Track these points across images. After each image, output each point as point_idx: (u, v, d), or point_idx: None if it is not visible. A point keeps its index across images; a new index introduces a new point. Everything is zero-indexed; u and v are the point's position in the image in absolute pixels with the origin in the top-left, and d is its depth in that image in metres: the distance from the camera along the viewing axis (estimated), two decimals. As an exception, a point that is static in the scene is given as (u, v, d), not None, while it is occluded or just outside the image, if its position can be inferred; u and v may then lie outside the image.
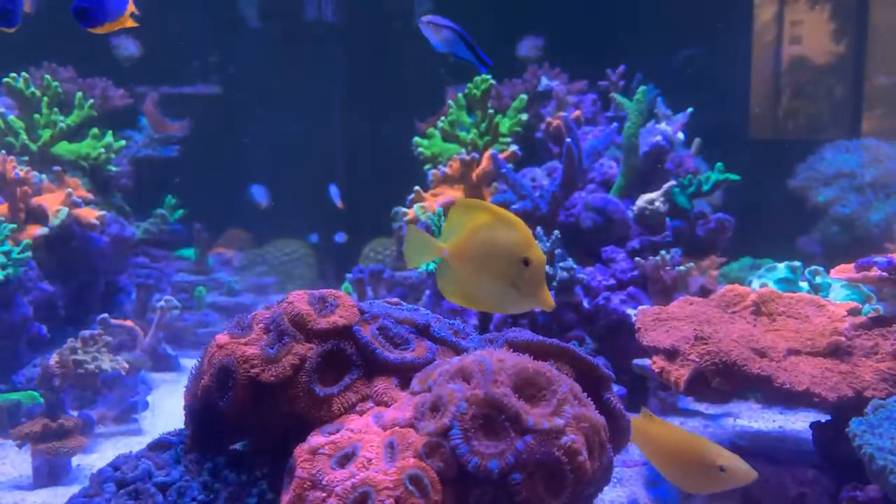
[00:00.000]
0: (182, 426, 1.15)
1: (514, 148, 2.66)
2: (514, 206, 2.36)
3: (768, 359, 1.27)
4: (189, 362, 2.65)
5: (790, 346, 1.33)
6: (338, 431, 0.98)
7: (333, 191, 3.64)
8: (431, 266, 2.25)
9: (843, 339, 1.31)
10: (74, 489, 1.55)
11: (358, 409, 1.03)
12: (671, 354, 1.39)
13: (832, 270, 1.47)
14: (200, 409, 1.06)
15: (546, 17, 4.02)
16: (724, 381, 1.28)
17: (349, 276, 2.79)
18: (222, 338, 1.08)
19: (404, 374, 1.06)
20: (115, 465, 1.04)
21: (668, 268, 2.12)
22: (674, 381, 1.36)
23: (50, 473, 1.61)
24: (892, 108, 4.51)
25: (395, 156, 3.50)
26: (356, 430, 0.98)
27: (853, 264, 1.46)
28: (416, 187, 2.65)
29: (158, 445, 1.08)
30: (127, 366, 2.16)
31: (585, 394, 1.03)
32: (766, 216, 3.64)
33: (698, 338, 1.34)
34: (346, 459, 0.93)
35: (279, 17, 4.28)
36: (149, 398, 2.16)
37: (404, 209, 2.66)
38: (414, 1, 4.42)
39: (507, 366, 0.98)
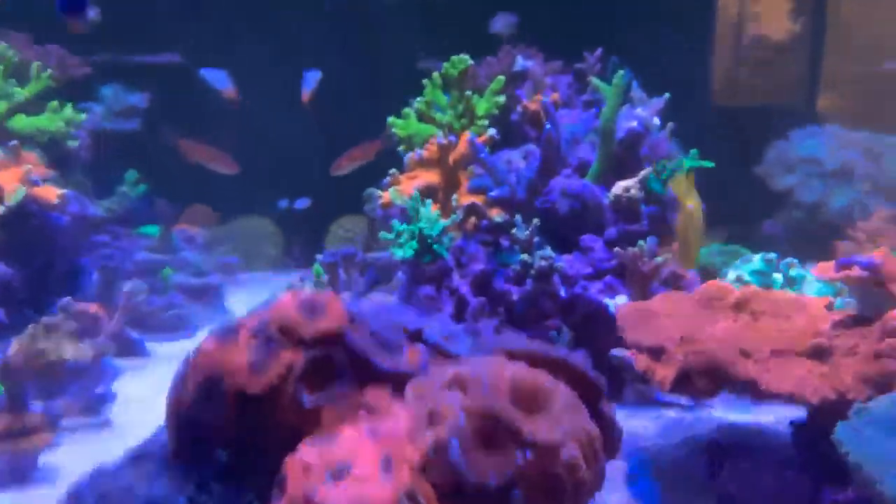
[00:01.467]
0: (153, 419, 1.11)
1: (491, 132, 2.62)
2: (492, 193, 2.34)
3: (753, 360, 1.28)
4: (156, 346, 2.58)
5: (773, 346, 1.34)
6: (329, 443, 0.96)
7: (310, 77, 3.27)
8: (409, 253, 2.22)
9: (824, 340, 1.33)
10: (42, 491, 1.49)
11: (350, 419, 1.01)
12: (655, 353, 1.39)
13: (813, 269, 1.49)
14: (185, 418, 1.02)
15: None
16: (709, 382, 1.29)
17: (321, 258, 2.74)
18: (207, 344, 1.04)
19: (397, 383, 1.04)
20: (92, 478, 1.00)
21: (645, 259, 2.13)
22: (659, 380, 1.36)
23: (14, 473, 1.54)
24: (848, 87, 4.60)
25: (368, 135, 3.42)
26: (349, 442, 0.95)
27: (833, 262, 1.48)
28: (393, 170, 2.60)
29: (140, 456, 1.04)
30: (91, 353, 2.09)
31: (580, 402, 1.02)
32: (732, 199, 3.68)
33: (684, 338, 1.34)
34: (339, 474, 0.91)
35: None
36: (115, 386, 2.09)
37: (379, 192, 2.61)
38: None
39: (504, 377, 0.97)
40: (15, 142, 2.43)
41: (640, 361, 1.42)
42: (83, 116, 2.78)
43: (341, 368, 1.02)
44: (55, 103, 2.67)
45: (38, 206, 2.41)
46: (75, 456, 1.65)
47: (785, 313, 1.44)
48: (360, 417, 1.01)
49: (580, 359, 1.15)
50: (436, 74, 2.77)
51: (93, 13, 3.82)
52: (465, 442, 0.90)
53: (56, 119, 2.64)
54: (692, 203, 1.11)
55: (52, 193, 2.42)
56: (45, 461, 1.62)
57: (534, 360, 1.08)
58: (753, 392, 1.24)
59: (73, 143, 2.75)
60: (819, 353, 1.33)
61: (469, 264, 2.33)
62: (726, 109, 4.53)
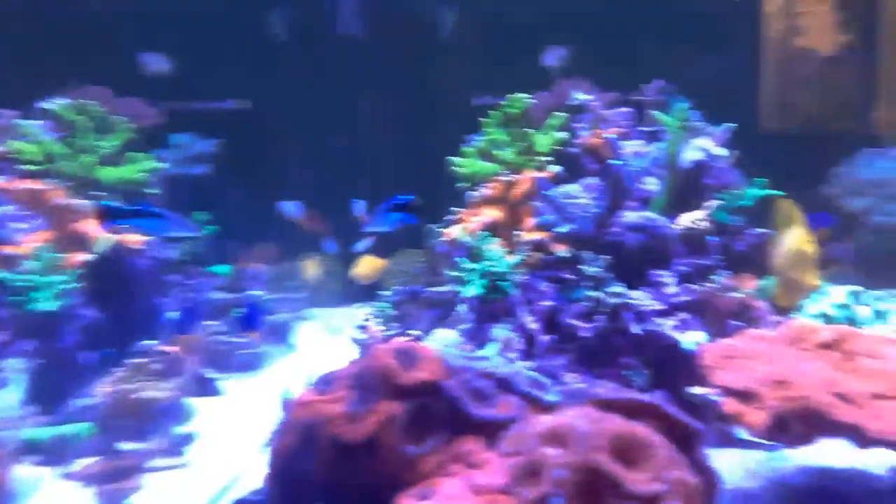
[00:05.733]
0: (231, 460, 1.14)
1: (556, 168, 2.62)
2: (561, 229, 2.34)
3: (855, 404, 1.24)
4: (232, 386, 2.64)
5: (873, 389, 1.30)
6: (428, 497, 0.96)
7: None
8: (479, 291, 2.23)
9: (928, 382, 1.28)
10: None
11: (446, 470, 1.01)
12: (746, 397, 1.36)
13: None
14: (285, 470, 1.04)
15: (568, 25, 4.01)
16: (806, 427, 1.25)
17: (388, 295, 2.76)
18: (306, 395, 1.07)
19: (491, 433, 1.04)
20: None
21: (721, 293, 2.09)
22: (750, 424, 1.33)
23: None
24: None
25: (427, 169, 3.48)
26: (448, 495, 0.96)
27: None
28: (459, 208, 2.63)
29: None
30: (176, 393, 2.16)
31: (678, 452, 1.01)
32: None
33: (777, 381, 1.31)
34: (442, 528, 0.91)
35: (308, 30, 4.27)
36: (193, 427, 2.15)
37: (444, 229, 2.63)
38: (436, 13, 4.40)
39: (603, 428, 0.96)
40: (99, 192, 2.56)
41: (729, 404, 1.39)
42: (163, 165, 2.91)
43: (439, 418, 1.03)
44: (135, 153, 2.81)
45: (121, 252, 2.52)
46: (163, 499, 1.70)
47: (881, 353, 1.39)
48: (456, 468, 1.01)
49: (672, 405, 1.14)
50: (495, 112, 2.80)
51: (164, 63, 4.02)
52: (568, 498, 0.89)
53: (137, 169, 2.78)
54: (799, 237, 1.13)
55: (134, 239, 2.53)
56: (135, 504, 1.67)
57: (628, 409, 1.07)
58: (857, 438, 1.20)
59: (151, 191, 2.87)
60: (922, 396, 1.27)
61: (537, 301, 2.32)
62: (775, 132, 4.43)
